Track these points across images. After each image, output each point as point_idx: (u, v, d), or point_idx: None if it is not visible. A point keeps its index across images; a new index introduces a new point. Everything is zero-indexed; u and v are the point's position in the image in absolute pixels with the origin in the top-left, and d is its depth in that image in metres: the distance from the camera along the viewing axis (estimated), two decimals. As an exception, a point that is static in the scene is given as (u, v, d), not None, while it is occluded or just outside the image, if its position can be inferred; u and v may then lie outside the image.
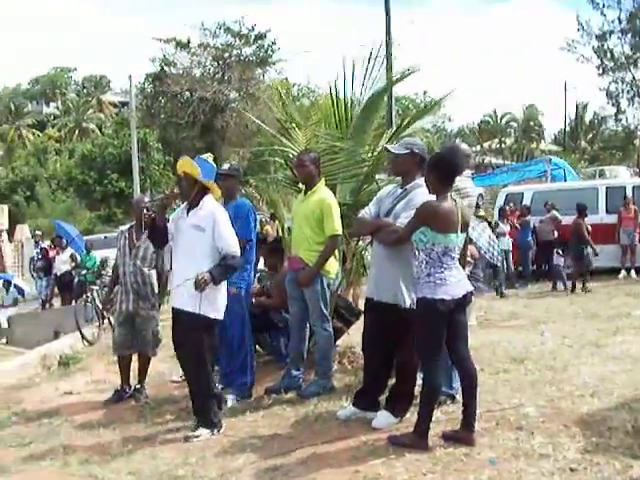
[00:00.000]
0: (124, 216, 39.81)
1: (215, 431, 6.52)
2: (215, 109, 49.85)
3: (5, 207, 46.74)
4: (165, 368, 9.44)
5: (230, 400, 7.35)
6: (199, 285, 6.22)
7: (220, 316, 6.60)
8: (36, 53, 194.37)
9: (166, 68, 51.64)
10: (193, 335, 6.42)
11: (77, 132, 75.82)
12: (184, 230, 6.55)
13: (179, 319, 6.59)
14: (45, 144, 67.07)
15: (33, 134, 78.37)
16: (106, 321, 14.29)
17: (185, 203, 6.71)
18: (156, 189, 44.02)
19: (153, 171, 44.35)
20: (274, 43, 50.75)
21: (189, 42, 51.16)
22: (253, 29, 50.35)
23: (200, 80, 50.32)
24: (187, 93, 50.75)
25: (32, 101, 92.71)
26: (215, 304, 6.52)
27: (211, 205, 6.59)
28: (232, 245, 6.50)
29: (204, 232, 6.40)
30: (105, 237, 25.94)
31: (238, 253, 6.55)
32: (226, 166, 8.28)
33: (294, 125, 9.12)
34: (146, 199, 8.56)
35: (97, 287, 15.93)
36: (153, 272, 8.34)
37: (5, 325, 19.83)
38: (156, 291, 8.36)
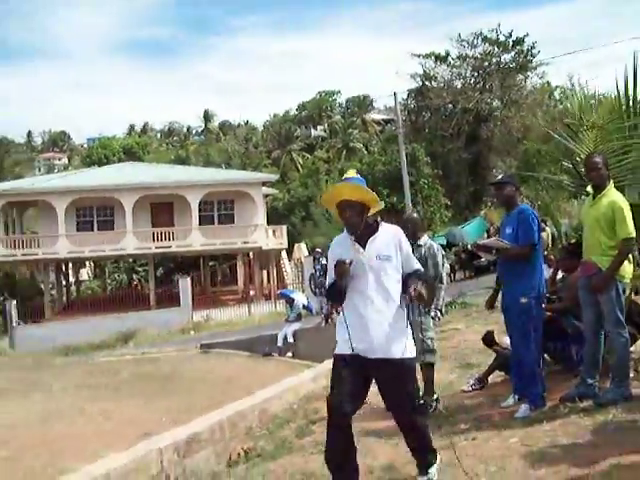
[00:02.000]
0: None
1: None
2: (479, 119, 49.67)
3: (284, 227, 49.34)
4: (454, 378, 9.50)
5: (524, 410, 7.28)
6: (420, 298, 5.33)
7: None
8: (302, 80, 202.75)
9: (427, 82, 52.18)
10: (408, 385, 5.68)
11: (344, 152, 78.13)
12: (368, 266, 5.45)
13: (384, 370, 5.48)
14: (316, 165, 69.78)
15: (303, 157, 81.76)
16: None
17: (347, 234, 5.58)
18: (427, 203, 44.37)
19: (423, 185, 44.71)
20: (533, 47, 49.75)
21: (448, 55, 51.39)
22: (510, 35, 49.74)
23: (461, 91, 50.37)
24: (450, 105, 50.98)
25: (300, 126, 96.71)
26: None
27: (385, 225, 5.67)
28: (418, 264, 5.74)
29: (391, 260, 5.49)
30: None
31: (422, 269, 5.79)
32: (500, 175, 8.19)
33: (584, 127, 8.84)
34: (411, 215, 8.67)
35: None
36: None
37: (291, 340, 20.73)
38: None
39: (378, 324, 5.36)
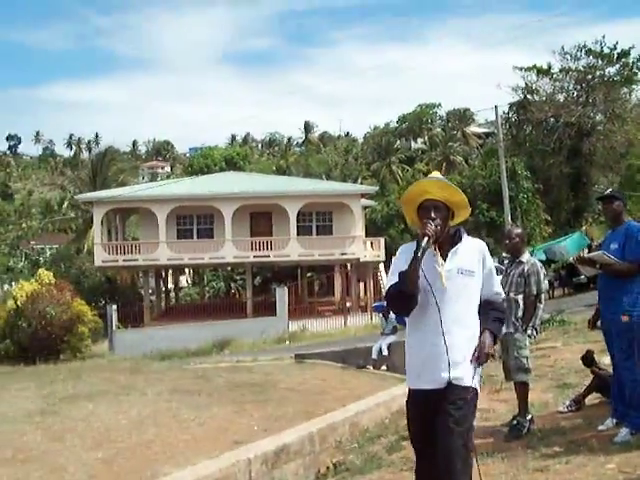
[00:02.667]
0: (495, 245, 40.01)
1: None
2: (580, 133, 48.68)
3: (382, 240, 49.29)
4: (550, 398, 9.27)
5: (623, 434, 7.03)
6: (483, 360, 4.73)
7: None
8: (402, 92, 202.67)
9: (529, 96, 51.46)
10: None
11: (444, 165, 77.67)
12: (448, 279, 4.71)
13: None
14: (415, 178, 69.62)
15: (403, 169, 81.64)
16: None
17: (426, 243, 4.60)
18: (526, 217, 43.73)
19: (522, 200, 44.10)
20: (639, 60, 48.48)
21: (550, 68, 50.57)
22: (615, 47, 48.60)
23: (564, 105, 49.49)
24: (551, 119, 50.13)
25: (401, 138, 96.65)
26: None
27: (470, 238, 4.94)
28: (499, 286, 5.06)
29: (473, 276, 4.79)
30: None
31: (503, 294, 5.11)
32: (608, 190, 7.97)
33: None
34: (514, 230, 8.52)
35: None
36: (520, 297, 8.24)
37: (386, 353, 20.58)
38: (520, 315, 8.22)
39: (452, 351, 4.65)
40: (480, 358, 4.66)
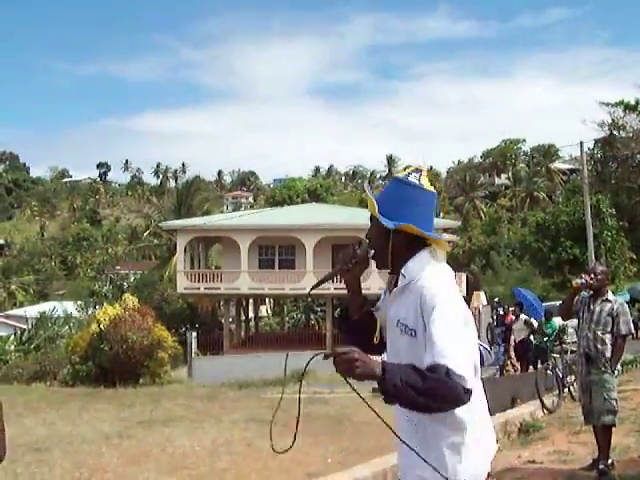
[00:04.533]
0: (578, 283, 39.40)
1: None
2: (668, 170, 47.73)
3: (463, 275, 48.88)
4: (632, 442, 9.02)
5: None
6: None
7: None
8: (486, 126, 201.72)
9: (615, 132, 50.68)
10: None
11: (528, 201, 76.84)
12: (388, 330, 3.43)
13: None
14: (498, 214, 69.05)
15: (486, 204, 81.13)
16: (566, 390, 14.16)
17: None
18: (610, 256, 42.88)
19: (606, 237, 43.31)
20: None
21: (638, 103, 49.74)
22: None
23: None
24: (638, 156, 49.25)
25: (484, 173, 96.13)
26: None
27: (427, 282, 3.15)
28: (449, 356, 2.91)
29: (415, 337, 3.18)
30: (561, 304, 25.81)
31: (460, 372, 2.88)
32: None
33: None
34: (599, 267, 8.36)
35: (557, 354, 15.81)
36: (608, 336, 8.05)
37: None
38: (608, 355, 8.03)
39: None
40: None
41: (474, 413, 3.14)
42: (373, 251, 3.35)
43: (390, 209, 3.19)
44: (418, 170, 3.26)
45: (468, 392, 2.88)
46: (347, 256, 3.46)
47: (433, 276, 3.14)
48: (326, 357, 2.99)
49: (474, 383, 2.95)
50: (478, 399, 3.15)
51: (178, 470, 9.25)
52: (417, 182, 3.22)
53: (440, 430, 3.14)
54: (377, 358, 3.06)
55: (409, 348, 3.17)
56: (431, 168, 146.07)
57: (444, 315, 3.00)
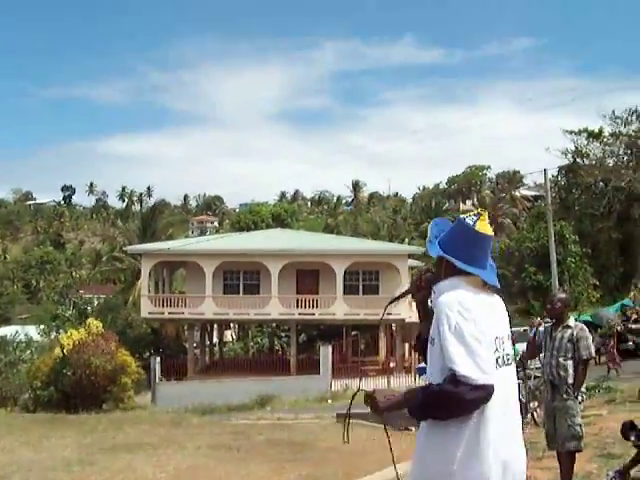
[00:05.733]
0: (542, 309, 39.65)
1: None
2: (631, 198, 48.31)
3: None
4: (594, 468, 9.05)
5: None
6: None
7: None
8: (451, 153, 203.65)
9: (578, 159, 51.30)
10: None
11: (493, 227, 77.44)
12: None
13: None
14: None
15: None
16: (529, 415, 14.23)
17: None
18: (574, 282, 43.29)
19: (570, 263, 43.74)
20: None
21: (601, 132, 50.41)
22: (667, 112, 48.48)
23: (614, 169, 49.31)
24: (601, 183, 49.87)
25: (450, 199, 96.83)
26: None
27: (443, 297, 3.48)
28: (455, 361, 3.26)
29: (433, 344, 3.50)
30: (524, 330, 25.93)
31: (463, 372, 3.21)
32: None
33: None
34: (559, 295, 8.48)
35: (520, 380, 15.86)
36: (569, 362, 8.11)
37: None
38: (571, 381, 8.09)
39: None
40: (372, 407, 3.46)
41: (482, 426, 3.31)
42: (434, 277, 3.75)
43: (443, 242, 3.68)
44: (478, 214, 3.71)
45: (479, 388, 3.20)
46: (415, 281, 3.96)
47: (451, 293, 3.48)
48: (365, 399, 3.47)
49: (490, 380, 3.23)
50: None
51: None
52: (471, 223, 3.64)
53: (433, 439, 3.42)
54: None
55: (431, 356, 3.51)
56: (396, 194, 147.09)
57: (450, 323, 3.34)
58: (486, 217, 3.69)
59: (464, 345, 3.27)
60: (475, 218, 3.66)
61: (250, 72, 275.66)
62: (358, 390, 3.59)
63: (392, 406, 3.44)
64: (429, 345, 3.54)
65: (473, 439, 3.29)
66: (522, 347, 19.60)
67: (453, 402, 3.23)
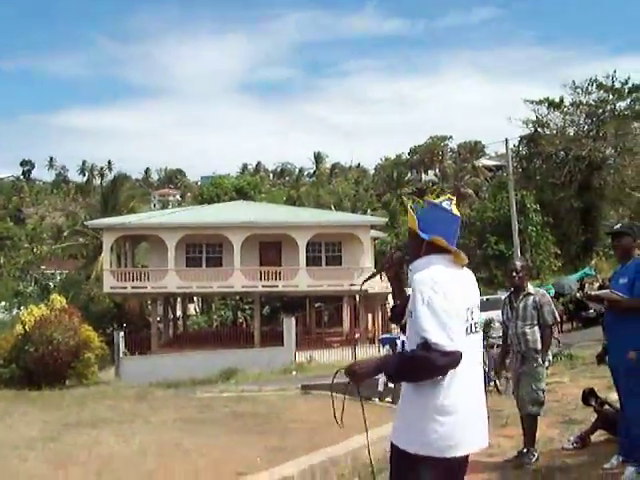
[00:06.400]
0: (504, 278, 40.02)
1: None
2: (591, 167, 48.82)
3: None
4: (555, 434, 9.16)
5: (630, 473, 6.91)
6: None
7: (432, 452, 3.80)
8: (413, 123, 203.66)
9: (539, 129, 51.60)
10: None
11: (455, 197, 77.80)
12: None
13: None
14: (425, 210, 69.67)
15: (413, 201, 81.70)
16: (492, 383, 14.37)
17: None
18: (535, 251, 43.68)
19: (531, 233, 44.11)
20: (651, 93, 48.78)
21: (562, 101, 50.75)
22: (627, 82, 48.85)
23: (574, 139, 49.68)
24: (562, 153, 50.25)
25: (412, 170, 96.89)
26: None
27: (417, 275, 3.90)
28: (427, 330, 3.69)
29: (411, 317, 3.90)
30: (487, 299, 26.10)
31: (434, 340, 3.66)
32: (617, 225, 7.88)
33: None
34: (518, 263, 8.54)
35: (483, 349, 16.04)
36: (536, 329, 8.19)
37: (391, 385, 20.48)
38: (539, 347, 8.17)
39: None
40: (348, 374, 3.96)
41: (453, 380, 3.78)
42: (407, 257, 4.26)
43: (426, 226, 4.08)
44: (450, 199, 4.21)
45: (449, 354, 3.66)
46: (386, 259, 4.49)
47: (425, 271, 3.92)
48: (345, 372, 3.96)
49: (457, 347, 3.70)
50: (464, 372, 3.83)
51: (105, 473, 9.10)
52: (448, 208, 4.12)
53: (411, 397, 3.89)
54: None
55: (409, 328, 3.93)
56: (358, 165, 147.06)
57: (423, 298, 3.78)
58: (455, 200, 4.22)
59: (435, 317, 3.71)
60: (449, 202, 4.15)
61: (211, 43, 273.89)
62: (337, 372, 4.07)
63: (370, 373, 3.93)
64: (407, 318, 3.98)
65: (445, 396, 3.76)
66: (485, 315, 19.79)
67: (425, 366, 3.70)
